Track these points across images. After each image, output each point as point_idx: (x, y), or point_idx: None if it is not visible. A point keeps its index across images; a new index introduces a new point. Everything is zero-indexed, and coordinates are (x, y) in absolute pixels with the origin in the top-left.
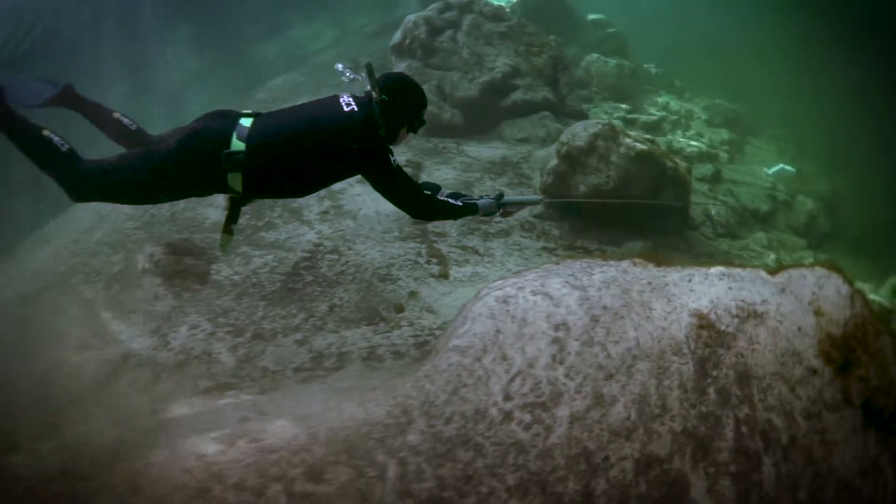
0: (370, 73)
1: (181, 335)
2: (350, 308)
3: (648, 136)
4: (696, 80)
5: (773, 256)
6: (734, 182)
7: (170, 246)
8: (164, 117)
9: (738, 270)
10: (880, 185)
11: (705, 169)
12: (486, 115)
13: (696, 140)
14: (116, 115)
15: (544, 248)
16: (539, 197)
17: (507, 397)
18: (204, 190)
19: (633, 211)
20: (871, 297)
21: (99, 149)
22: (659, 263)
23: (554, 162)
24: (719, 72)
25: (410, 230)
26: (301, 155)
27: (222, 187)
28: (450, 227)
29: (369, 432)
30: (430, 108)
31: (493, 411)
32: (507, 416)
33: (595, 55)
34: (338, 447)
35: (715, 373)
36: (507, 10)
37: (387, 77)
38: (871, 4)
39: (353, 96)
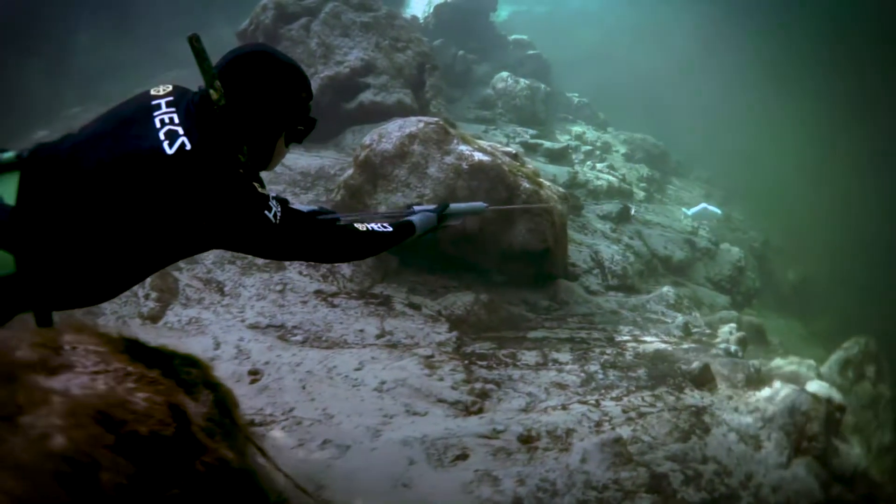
0: (198, 56)
1: None
2: None
3: (507, 151)
4: (623, 116)
5: (680, 319)
6: (646, 223)
7: None
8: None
9: None
10: (816, 235)
11: (611, 206)
12: (325, 118)
13: (608, 173)
14: None
15: (318, 293)
16: (483, 204)
17: None
18: None
19: (478, 246)
20: (815, 386)
21: None
22: None
23: (348, 172)
24: (650, 110)
25: None
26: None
27: None
28: (211, 251)
29: None
30: None
31: None
32: None
33: (505, 73)
34: None
35: None
36: (422, 22)
37: (232, 59)
38: (812, 40)
39: (175, 104)
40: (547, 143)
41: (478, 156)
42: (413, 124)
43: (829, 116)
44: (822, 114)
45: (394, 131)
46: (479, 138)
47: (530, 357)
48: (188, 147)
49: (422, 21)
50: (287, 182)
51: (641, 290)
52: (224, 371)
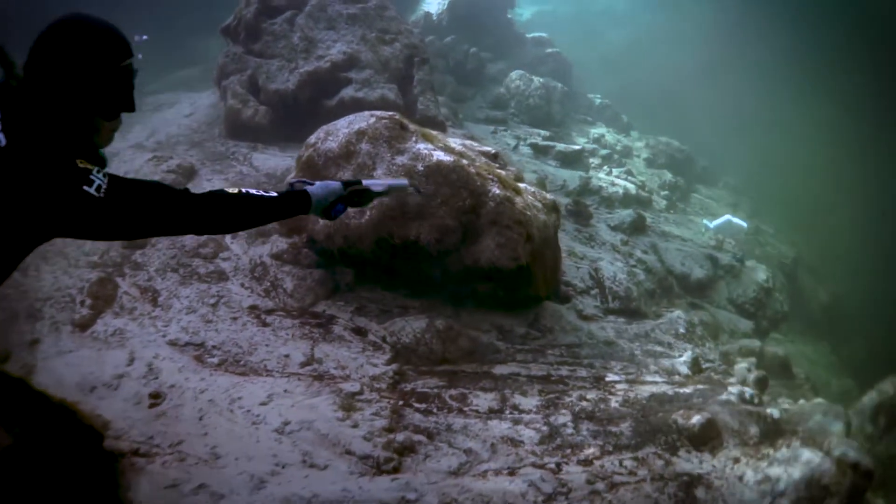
0: None
1: None
2: None
3: (485, 151)
4: (648, 120)
5: (689, 353)
6: (663, 235)
7: None
8: None
9: None
10: (853, 251)
11: (624, 214)
12: (304, 115)
13: (625, 179)
14: None
15: (253, 309)
16: (405, 181)
17: None
18: None
19: (436, 262)
20: (842, 449)
21: None
22: None
23: (291, 176)
24: (677, 114)
25: (115, 256)
26: None
27: None
28: (156, 257)
29: None
30: (230, 103)
31: None
32: None
33: (519, 72)
34: None
35: None
36: (435, 18)
37: (38, 35)
38: (849, 39)
39: None
40: (560, 146)
41: (437, 156)
42: (364, 119)
43: (868, 122)
44: (862, 119)
45: (342, 128)
46: (467, 138)
47: (484, 400)
48: (3, 143)
49: (435, 18)
50: (251, 184)
51: (649, 315)
52: (127, 391)
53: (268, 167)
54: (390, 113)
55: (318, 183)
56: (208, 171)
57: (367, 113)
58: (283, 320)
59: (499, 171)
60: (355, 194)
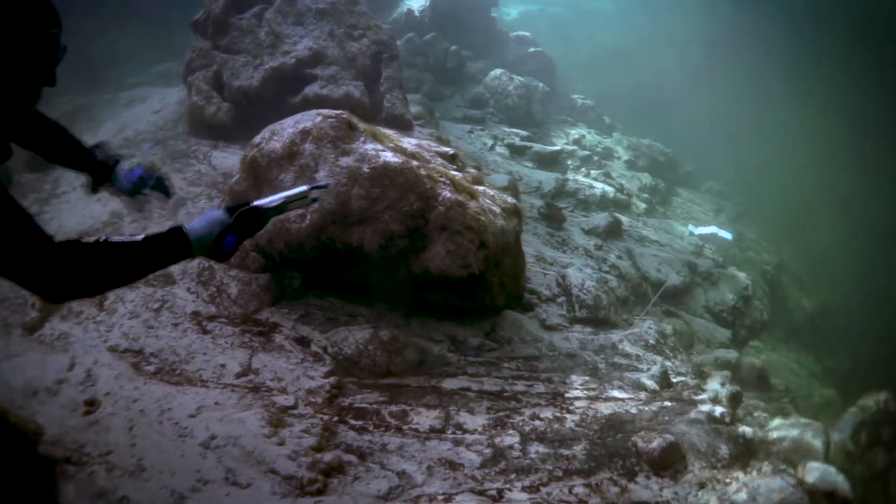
0: None
1: None
2: None
3: (443, 151)
4: (633, 122)
5: (658, 366)
6: (640, 239)
7: None
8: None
9: None
10: (840, 258)
11: (599, 218)
12: (268, 113)
13: (603, 181)
14: None
15: (195, 315)
16: (304, 188)
17: None
18: None
19: (381, 270)
20: (818, 473)
21: None
22: None
23: (235, 177)
24: (662, 117)
25: None
26: None
27: None
28: None
29: None
30: (194, 100)
31: None
32: None
33: (499, 70)
34: None
35: None
36: (417, 15)
37: None
38: (838, 43)
39: None
40: (537, 147)
41: (385, 157)
42: (310, 119)
43: (863, 126)
44: (856, 123)
45: (288, 127)
46: (434, 137)
47: (426, 418)
48: None
49: (417, 14)
50: (207, 184)
51: (618, 324)
52: (64, 397)
53: (226, 166)
54: (338, 112)
55: (197, 218)
56: (168, 169)
57: (314, 111)
58: (224, 328)
59: (453, 173)
60: (244, 218)
